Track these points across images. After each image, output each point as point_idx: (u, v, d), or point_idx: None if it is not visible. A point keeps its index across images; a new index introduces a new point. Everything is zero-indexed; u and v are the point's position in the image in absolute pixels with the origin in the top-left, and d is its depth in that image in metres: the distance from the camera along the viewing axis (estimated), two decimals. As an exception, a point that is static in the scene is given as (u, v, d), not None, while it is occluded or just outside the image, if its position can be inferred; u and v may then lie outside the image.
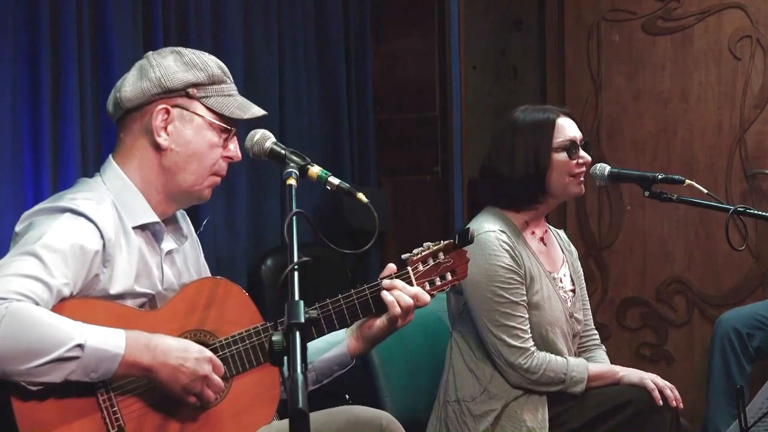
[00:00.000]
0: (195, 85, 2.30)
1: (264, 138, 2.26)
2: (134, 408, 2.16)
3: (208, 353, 2.18)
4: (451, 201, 5.06)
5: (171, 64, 2.30)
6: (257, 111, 2.36)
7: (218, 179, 2.37)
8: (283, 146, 2.25)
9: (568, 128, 3.02)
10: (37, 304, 2.04)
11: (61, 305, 2.10)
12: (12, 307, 1.99)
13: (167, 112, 2.29)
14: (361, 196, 2.21)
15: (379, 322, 2.41)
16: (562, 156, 2.98)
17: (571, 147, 2.99)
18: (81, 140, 3.29)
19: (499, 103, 5.13)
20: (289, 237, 1.93)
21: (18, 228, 2.21)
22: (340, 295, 2.37)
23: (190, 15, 3.82)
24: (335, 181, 2.21)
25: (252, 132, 2.28)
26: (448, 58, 5.02)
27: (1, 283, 2.03)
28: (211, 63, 2.34)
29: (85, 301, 2.16)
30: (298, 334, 1.73)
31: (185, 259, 2.43)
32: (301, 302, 1.79)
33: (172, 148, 2.30)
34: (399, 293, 2.38)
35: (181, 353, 2.14)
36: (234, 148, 2.36)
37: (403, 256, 2.47)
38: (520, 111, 3.06)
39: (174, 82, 2.29)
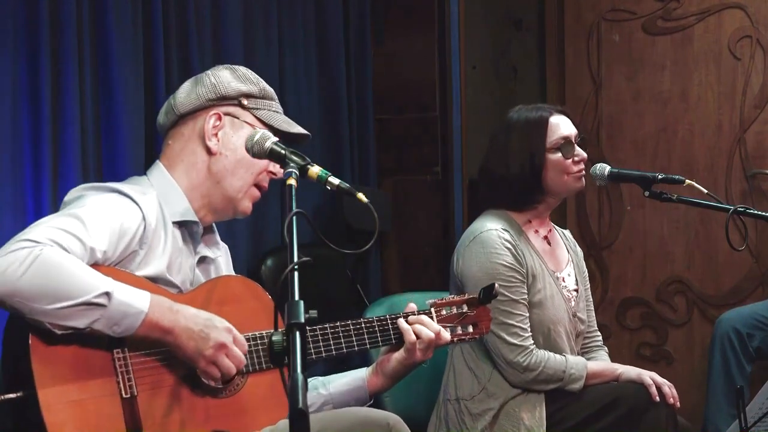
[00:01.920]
0: (247, 96, 2.40)
1: (264, 138, 2.27)
2: (149, 380, 2.18)
3: (229, 324, 2.21)
4: (451, 201, 5.06)
5: (226, 75, 2.42)
6: (301, 129, 2.46)
7: (259, 194, 2.45)
8: (283, 146, 2.26)
9: (561, 126, 3.02)
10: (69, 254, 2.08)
11: (93, 268, 2.13)
12: (46, 250, 2.04)
13: (219, 118, 2.38)
14: (361, 196, 2.22)
15: (398, 355, 2.45)
16: (557, 156, 2.99)
17: (565, 146, 2.99)
18: (81, 140, 3.29)
19: (499, 103, 5.13)
20: (289, 237, 1.93)
21: (67, 198, 2.28)
22: (361, 319, 2.42)
23: (190, 15, 3.82)
24: (335, 181, 2.22)
25: (252, 132, 2.30)
26: (448, 58, 5.02)
27: (40, 230, 2.08)
28: (263, 81, 2.45)
29: (115, 270, 2.19)
30: (298, 334, 1.73)
31: (219, 271, 2.48)
32: (301, 302, 1.79)
33: (221, 152, 2.38)
34: (421, 327, 2.43)
35: (202, 320, 2.18)
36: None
37: (428, 301, 2.53)
38: (515, 111, 3.07)
39: (228, 89, 2.39)
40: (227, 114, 2.39)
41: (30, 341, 2.06)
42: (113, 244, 2.18)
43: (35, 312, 2.03)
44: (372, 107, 4.94)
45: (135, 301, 2.11)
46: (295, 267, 1.86)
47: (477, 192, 3.21)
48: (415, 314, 2.46)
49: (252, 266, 4.12)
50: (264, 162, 2.38)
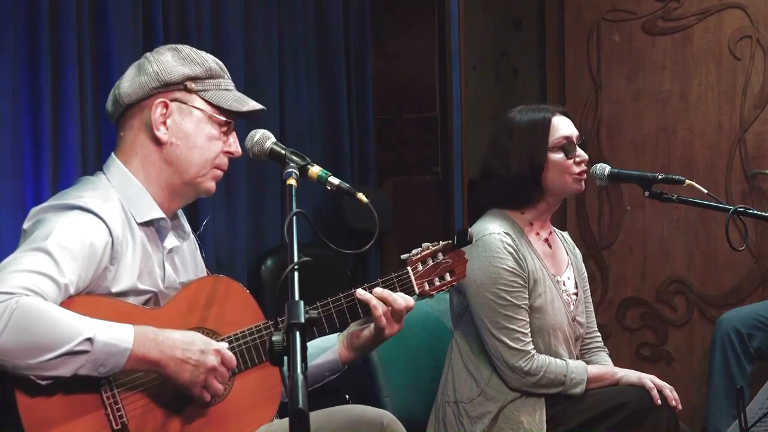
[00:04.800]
0: (192, 79, 2.31)
1: (264, 138, 2.27)
2: (138, 405, 2.16)
3: (215, 345, 2.18)
4: (451, 201, 5.06)
5: (168, 59, 2.31)
6: (255, 105, 2.36)
7: (220, 173, 2.37)
8: (283, 146, 2.25)
9: (563, 127, 3.01)
10: (45, 300, 2.04)
11: (68, 302, 2.10)
12: (22, 301, 1.99)
13: (165, 105, 2.29)
14: (361, 196, 2.22)
15: (366, 332, 2.40)
16: (559, 155, 2.98)
17: (567, 146, 2.98)
18: (81, 140, 3.30)
19: (499, 103, 5.13)
20: (289, 237, 1.93)
21: (26, 225, 2.21)
22: (340, 294, 2.37)
23: (190, 15, 3.82)
24: (335, 181, 2.22)
25: (252, 132, 2.29)
26: (448, 58, 5.02)
27: (11, 278, 2.03)
28: (209, 58, 2.35)
29: (90, 297, 2.16)
30: (298, 334, 1.73)
31: (184, 258, 2.43)
32: (301, 302, 1.79)
33: (172, 141, 2.30)
34: (384, 301, 2.35)
35: (188, 346, 2.14)
36: (233, 142, 2.37)
37: (403, 257, 2.47)
38: (516, 111, 3.06)
39: (172, 75, 2.29)
40: (174, 100, 2.29)
41: (15, 389, 2.04)
42: (85, 269, 2.13)
43: (18, 367, 2.00)
44: (372, 107, 4.95)
45: (119, 339, 2.07)
46: (295, 267, 1.86)
47: (477, 192, 3.20)
48: (376, 284, 2.37)
49: (252, 266, 4.13)
50: (219, 144, 2.34)
